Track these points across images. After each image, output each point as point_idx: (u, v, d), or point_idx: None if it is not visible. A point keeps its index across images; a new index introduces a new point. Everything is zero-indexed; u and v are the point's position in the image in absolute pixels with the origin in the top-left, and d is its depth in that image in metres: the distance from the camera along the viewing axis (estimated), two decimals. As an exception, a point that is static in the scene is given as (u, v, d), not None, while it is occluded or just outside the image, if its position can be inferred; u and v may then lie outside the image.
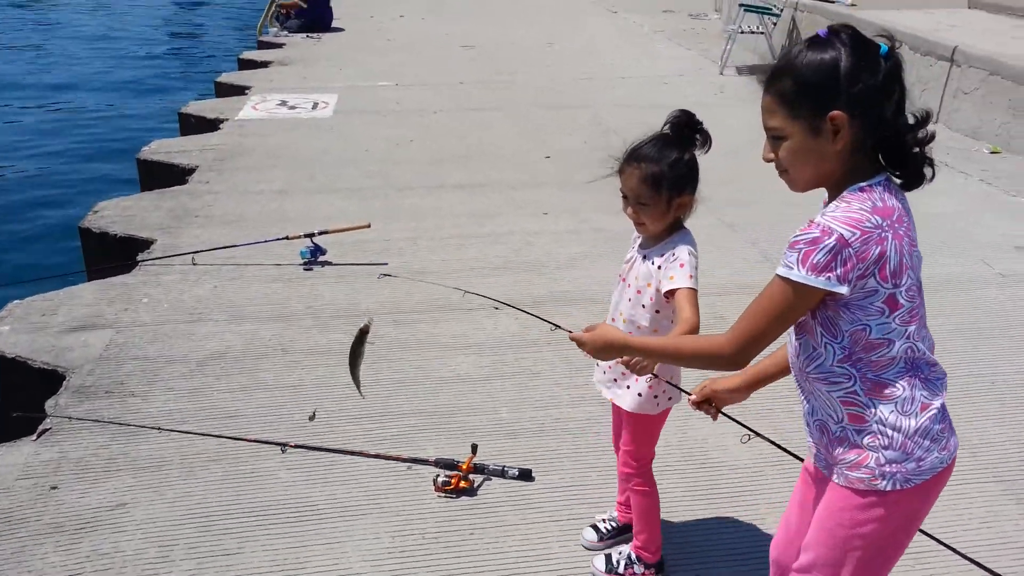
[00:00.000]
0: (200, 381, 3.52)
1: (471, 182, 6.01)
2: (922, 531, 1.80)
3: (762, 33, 9.88)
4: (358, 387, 2.25)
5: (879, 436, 1.61)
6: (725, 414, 2.02)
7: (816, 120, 1.52)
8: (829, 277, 1.50)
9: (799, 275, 1.51)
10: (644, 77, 9.31)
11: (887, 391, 1.60)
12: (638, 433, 2.36)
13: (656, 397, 2.29)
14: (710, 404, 1.98)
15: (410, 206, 5.54)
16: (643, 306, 2.22)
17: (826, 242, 1.49)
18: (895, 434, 1.59)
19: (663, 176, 2.10)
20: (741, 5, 9.88)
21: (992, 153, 6.69)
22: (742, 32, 9.69)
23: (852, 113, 1.50)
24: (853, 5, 9.37)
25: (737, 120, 7.64)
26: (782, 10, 9.72)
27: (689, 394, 2.00)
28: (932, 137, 1.56)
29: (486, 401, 3.40)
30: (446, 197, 5.72)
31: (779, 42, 9.94)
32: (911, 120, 1.55)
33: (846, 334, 1.58)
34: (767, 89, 1.58)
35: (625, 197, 2.18)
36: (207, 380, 3.53)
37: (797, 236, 1.53)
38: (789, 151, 1.58)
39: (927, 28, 8.07)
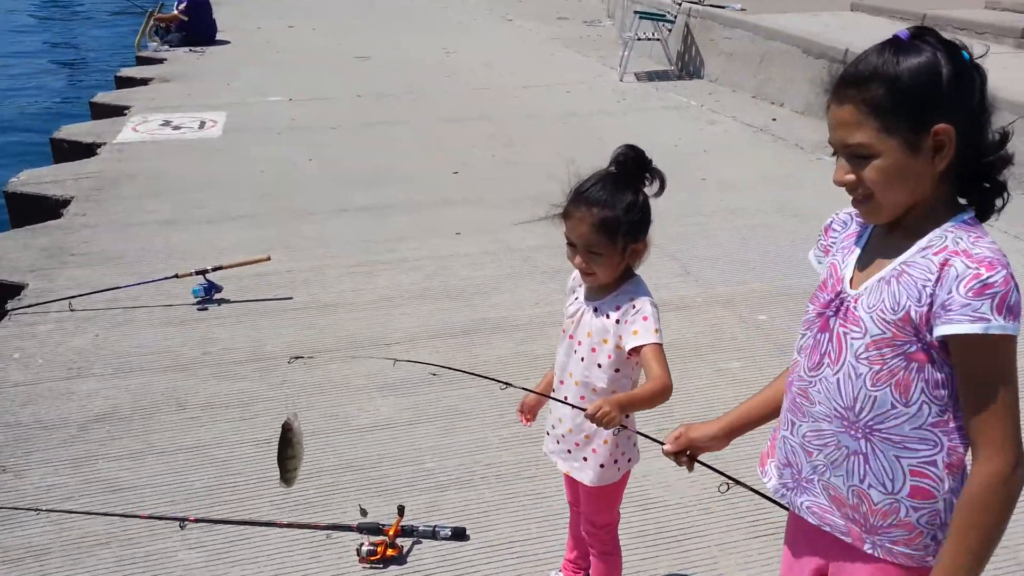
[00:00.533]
0: (83, 449, 3.11)
1: (377, 203, 5.71)
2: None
3: (658, 39, 9.96)
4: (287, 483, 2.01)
5: (940, 514, 1.38)
6: (701, 462, 1.78)
7: (916, 135, 1.29)
8: (1017, 322, 1.27)
9: (1012, 327, 1.25)
10: (546, 85, 9.19)
11: (960, 463, 1.38)
12: (601, 502, 2.16)
13: (616, 462, 2.08)
14: (685, 454, 1.74)
15: (313, 232, 5.20)
16: (599, 366, 1.99)
17: (1009, 282, 1.26)
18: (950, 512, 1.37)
19: (618, 222, 1.88)
20: (636, 12, 9.93)
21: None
22: (638, 39, 9.72)
23: (957, 127, 1.28)
24: (743, 10, 9.53)
25: (642, 126, 7.65)
26: (676, 16, 9.82)
27: (662, 443, 1.78)
28: (1011, 160, 1.34)
29: (408, 450, 3.12)
30: (351, 221, 5.40)
31: (674, 48, 10.04)
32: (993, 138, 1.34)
33: (953, 393, 1.34)
34: (843, 98, 1.32)
35: (571, 244, 1.93)
36: (91, 447, 3.12)
37: (975, 282, 1.25)
38: (881, 172, 1.31)
39: (817, 31, 8.26)
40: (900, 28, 1.36)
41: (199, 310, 4.14)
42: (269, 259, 4.38)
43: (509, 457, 3.06)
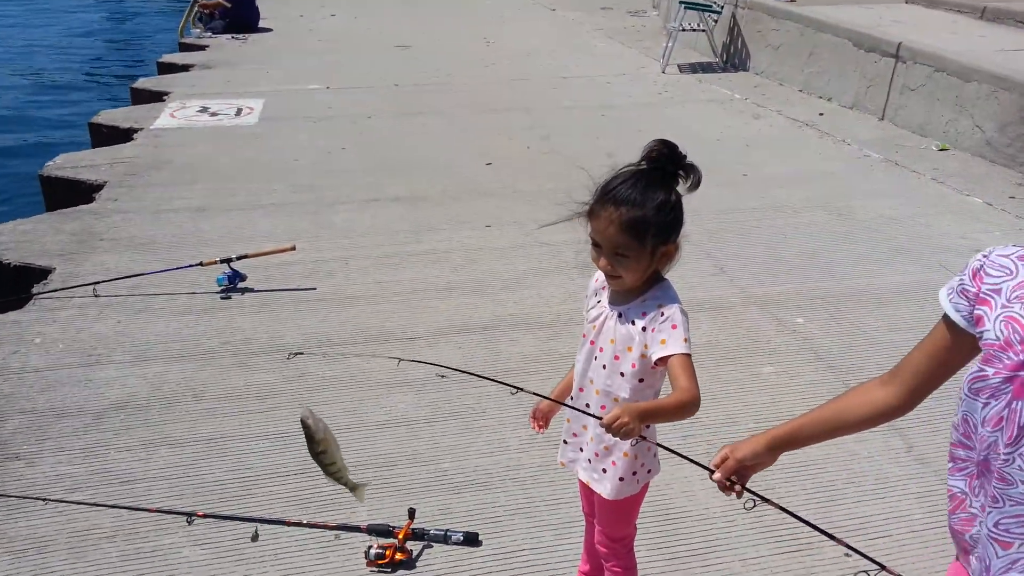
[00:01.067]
0: (96, 438, 3.07)
1: (408, 194, 5.62)
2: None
3: (703, 31, 9.70)
4: (353, 490, 2.01)
5: None
6: (751, 491, 1.60)
7: None
8: None
9: None
10: (586, 77, 9.02)
11: None
12: (617, 515, 2.03)
13: (635, 474, 1.95)
14: (733, 480, 1.57)
15: (342, 222, 5.13)
16: (622, 374, 1.86)
17: None
18: None
19: (648, 223, 1.73)
20: (682, 2, 9.67)
21: (941, 150, 6.57)
22: (683, 30, 9.49)
23: None
24: (792, 1, 9.24)
25: (683, 119, 7.46)
26: (723, 7, 9.55)
27: (710, 470, 1.59)
28: None
29: (427, 449, 3.03)
30: (381, 211, 5.32)
31: (720, 39, 9.79)
32: None
33: None
34: None
35: (596, 245, 1.79)
36: (104, 436, 3.08)
37: None
38: None
39: (869, 23, 7.95)
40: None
41: (223, 299, 4.10)
42: (294, 248, 4.32)
43: (528, 460, 2.95)
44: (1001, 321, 1.27)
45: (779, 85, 8.69)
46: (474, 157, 6.36)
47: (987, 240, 4.84)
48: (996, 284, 1.29)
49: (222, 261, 4.14)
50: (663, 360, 1.77)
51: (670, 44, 9.43)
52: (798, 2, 9.17)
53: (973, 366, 1.30)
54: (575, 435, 2.01)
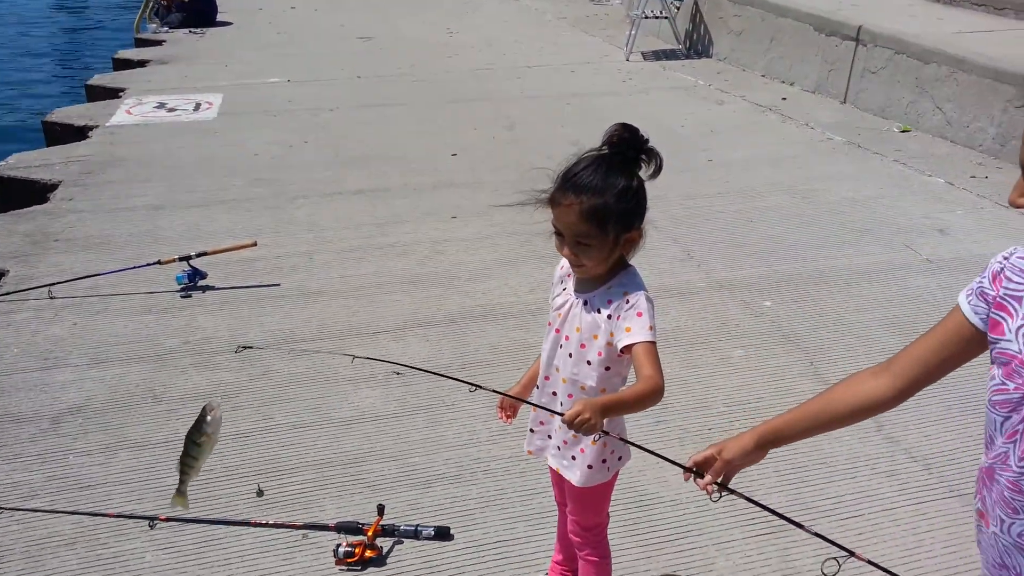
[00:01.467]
0: (53, 443, 2.98)
1: (372, 186, 5.54)
2: (882, 567, 1.50)
3: (666, 18, 9.70)
4: (180, 492, 1.94)
5: None
6: (732, 491, 1.57)
7: None
8: None
9: None
10: (550, 66, 8.98)
11: None
12: (588, 504, 2.01)
13: (606, 462, 1.93)
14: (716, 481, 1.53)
15: (304, 216, 5.04)
16: (588, 363, 1.83)
17: None
18: None
19: (610, 210, 1.69)
20: (644, -11, 9.67)
21: (903, 132, 6.64)
22: (646, 17, 9.48)
23: None
24: (754, -13, 9.26)
25: (648, 107, 7.45)
26: (685, -7, 9.56)
27: (693, 472, 1.52)
28: None
29: (395, 444, 2.98)
30: (345, 204, 5.24)
31: (683, 26, 9.79)
32: None
33: None
34: None
35: (558, 234, 1.76)
36: (62, 441, 2.99)
37: None
38: None
39: (830, 8, 7.99)
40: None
41: (182, 297, 4.00)
42: (255, 244, 4.23)
43: (499, 452, 2.92)
44: (1018, 328, 1.24)
45: (742, 71, 8.71)
46: (439, 148, 6.29)
47: (950, 219, 4.90)
48: (1017, 291, 1.26)
49: (181, 259, 4.04)
50: (627, 348, 1.74)
51: (633, 32, 9.41)
52: (758, -12, 9.20)
53: (995, 379, 1.27)
54: (542, 423, 1.98)
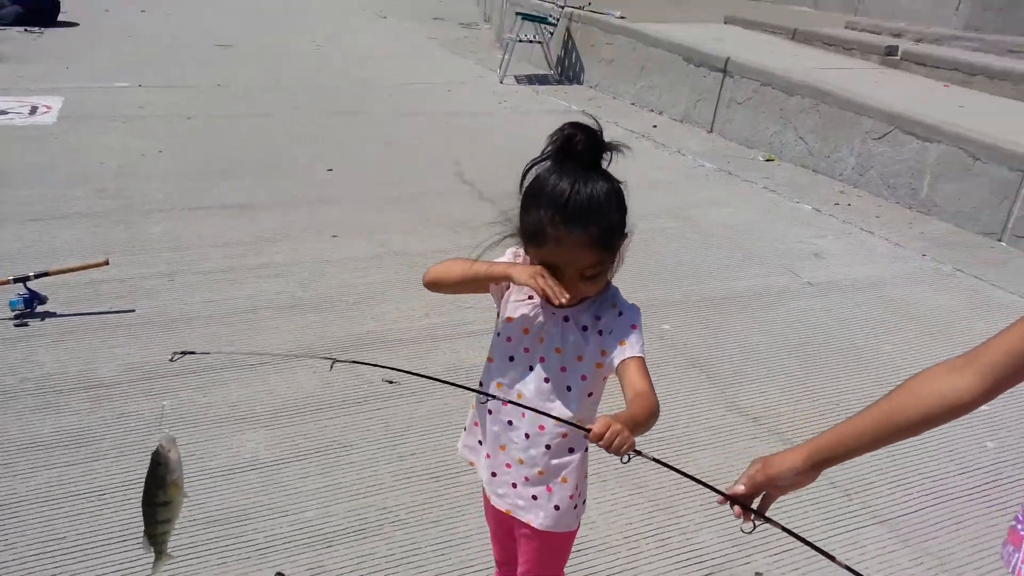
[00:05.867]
0: None
1: (240, 201, 5.06)
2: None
3: (539, 42, 9.72)
4: (158, 559, 1.46)
5: None
6: (768, 519, 1.32)
7: None
8: None
9: None
10: (425, 84, 8.74)
11: None
12: (547, 553, 1.72)
13: (576, 508, 1.66)
14: (751, 502, 1.30)
15: (162, 233, 4.51)
16: (568, 388, 1.56)
17: None
18: None
19: (615, 227, 1.48)
20: (518, 14, 9.64)
21: (767, 160, 6.87)
22: (519, 41, 9.45)
23: None
24: (622, 18, 9.44)
25: (525, 128, 7.34)
26: (558, 20, 9.61)
27: (727, 496, 1.29)
28: None
29: (285, 496, 2.59)
30: (209, 220, 4.74)
31: (555, 52, 9.84)
32: None
33: None
34: None
35: (551, 267, 1.47)
36: None
37: None
38: None
39: (698, 40, 8.24)
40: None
41: (16, 326, 3.41)
42: (107, 263, 3.70)
43: (407, 498, 2.60)
44: None
45: (612, 98, 8.82)
46: (313, 162, 5.88)
47: (822, 244, 5.04)
48: None
49: (16, 280, 3.45)
50: (624, 363, 1.50)
51: (507, 56, 9.35)
52: (628, 19, 9.39)
53: None
54: (489, 455, 1.66)
